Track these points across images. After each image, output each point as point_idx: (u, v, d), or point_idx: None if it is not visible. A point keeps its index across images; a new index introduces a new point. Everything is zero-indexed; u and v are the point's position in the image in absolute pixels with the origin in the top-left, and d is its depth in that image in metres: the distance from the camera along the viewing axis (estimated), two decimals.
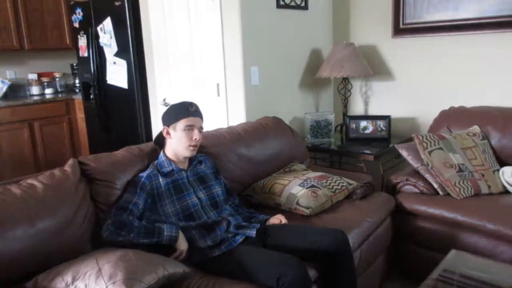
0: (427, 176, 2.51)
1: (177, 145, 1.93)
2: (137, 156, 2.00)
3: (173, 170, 1.94)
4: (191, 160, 2.03)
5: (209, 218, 1.90)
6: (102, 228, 1.71)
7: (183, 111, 1.91)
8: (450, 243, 2.18)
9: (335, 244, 1.81)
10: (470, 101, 2.91)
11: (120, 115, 3.78)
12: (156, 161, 1.97)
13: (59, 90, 4.94)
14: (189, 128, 1.90)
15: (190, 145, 1.91)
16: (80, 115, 4.53)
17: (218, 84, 2.92)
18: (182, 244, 1.78)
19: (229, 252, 1.79)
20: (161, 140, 2.01)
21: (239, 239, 1.85)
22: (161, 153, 1.99)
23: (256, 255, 1.73)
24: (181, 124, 1.90)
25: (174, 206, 1.87)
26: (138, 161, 1.98)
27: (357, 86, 3.51)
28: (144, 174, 1.89)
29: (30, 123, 4.28)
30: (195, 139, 1.91)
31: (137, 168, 1.95)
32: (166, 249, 1.76)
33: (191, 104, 1.94)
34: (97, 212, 1.83)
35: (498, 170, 2.53)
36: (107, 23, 3.61)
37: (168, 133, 1.94)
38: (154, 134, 3.50)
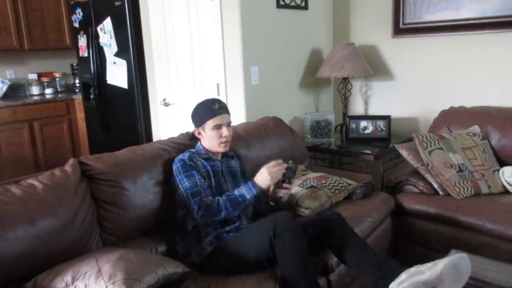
0: (427, 176, 2.51)
1: (210, 143, 1.99)
2: (139, 156, 2.00)
3: (210, 157, 2.00)
4: (224, 153, 2.08)
5: None
6: (196, 218, 1.80)
7: (208, 112, 1.95)
8: (450, 243, 2.18)
9: (330, 218, 1.85)
10: (470, 101, 2.91)
11: (120, 115, 3.78)
12: (193, 149, 2.02)
13: (59, 90, 4.94)
14: (217, 127, 1.94)
15: (221, 142, 1.97)
16: (80, 115, 4.53)
17: (218, 84, 2.92)
18: (266, 179, 1.84)
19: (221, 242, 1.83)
20: (195, 137, 2.06)
21: (231, 235, 1.86)
22: (199, 143, 2.04)
23: (249, 228, 1.84)
24: (209, 125, 1.95)
25: (211, 188, 1.92)
26: (141, 161, 1.97)
27: (357, 86, 3.50)
28: (185, 157, 1.93)
29: (30, 123, 4.27)
30: (225, 136, 1.96)
31: (141, 168, 1.94)
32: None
33: (214, 103, 1.97)
34: (99, 212, 1.83)
35: (498, 170, 2.53)
36: (107, 23, 3.61)
37: (199, 133, 2.01)
38: (154, 134, 3.50)
